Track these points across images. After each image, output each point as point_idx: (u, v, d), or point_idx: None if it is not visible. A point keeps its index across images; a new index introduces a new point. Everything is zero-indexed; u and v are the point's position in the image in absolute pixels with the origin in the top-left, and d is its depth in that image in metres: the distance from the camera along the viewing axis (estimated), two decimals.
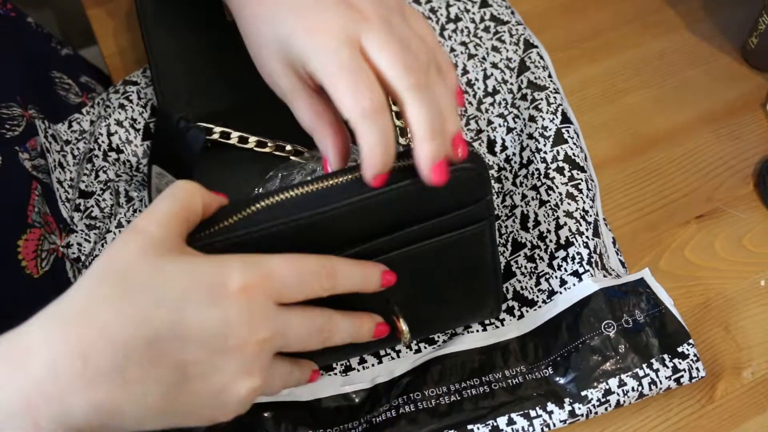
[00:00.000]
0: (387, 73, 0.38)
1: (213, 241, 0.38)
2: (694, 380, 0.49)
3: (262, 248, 0.38)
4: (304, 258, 0.37)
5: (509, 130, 0.61)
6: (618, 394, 0.48)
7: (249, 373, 0.35)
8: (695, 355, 0.49)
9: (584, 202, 0.55)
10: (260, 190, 0.50)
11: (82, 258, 0.55)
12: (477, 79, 0.63)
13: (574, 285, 0.51)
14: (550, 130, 0.58)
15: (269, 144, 0.53)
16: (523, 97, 0.61)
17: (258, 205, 0.38)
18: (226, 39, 0.56)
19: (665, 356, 0.49)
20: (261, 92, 0.54)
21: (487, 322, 0.53)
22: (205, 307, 0.34)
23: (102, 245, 0.54)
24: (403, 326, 0.45)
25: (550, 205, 0.55)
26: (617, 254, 0.56)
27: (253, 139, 0.53)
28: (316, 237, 0.40)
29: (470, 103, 0.63)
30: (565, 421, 0.48)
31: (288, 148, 0.53)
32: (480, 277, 0.48)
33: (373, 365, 0.52)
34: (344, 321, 0.40)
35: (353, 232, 0.41)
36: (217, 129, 0.52)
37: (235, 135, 0.53)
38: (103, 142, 0.59)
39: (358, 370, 0.52)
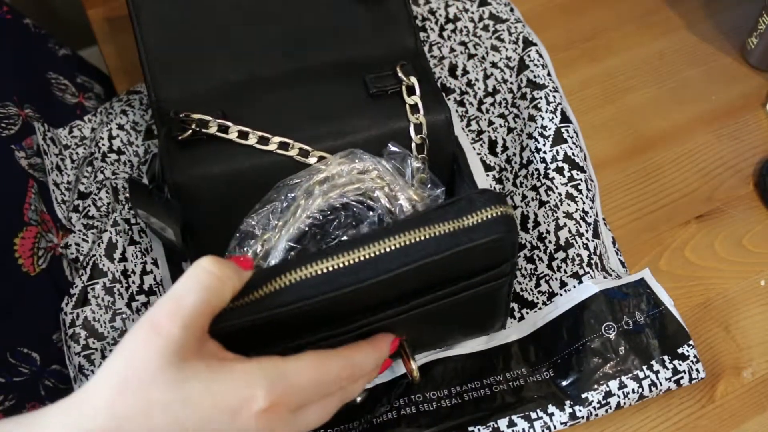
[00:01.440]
0: None
1: (234, 323, 0.36)
2: (694, 381, 0.49)
3: (284, 324, 0.38)
4: (326, 363, 0.37)
5: (510, 130, 0.60)
6: (618, 396, 0.48)
7: None
8: (695, 357, 0.49)
9: (584, 203, 0.55)
10: (259, 205, 0.49)
11: (81, 258, 0.55)
12: (477, 80, 0.63)
13: (574, 287, 0.51)
14: (549, 129, 0.58)
15: (272, 141, 0.49)
16: (523, 96, 0.61)
17: (283, 282, 0.37)
18: (222, 12, 0.53)
19: (665, 358, 0.49)
20: (261, 67, 0.52)
21: None
22: (227, 430, 0.33)
23: (98, 245, 0.54)
24: (413, 365, 0.46)
25: (549, 206, 0.55)
26: (617, 254, 0.56)
27: (254, 135, 0.49)
28: (340, 309, 0.39)
29: (471, 103, 0.63)
30: (565, 423, 0.48)
31: (292, 147, 0.49)
32: (493, 314, 0.48)
33: None
34: (357, 385, 0.40)
35: (378, 300, 0.40)
36: (214, 122, 0.48)
37: (234, 129, 0.49)
38: (103, 144, 0.59)
39: None
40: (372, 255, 0.37)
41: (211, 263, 0.35)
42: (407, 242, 0.38)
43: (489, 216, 0.39)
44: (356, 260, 0.37)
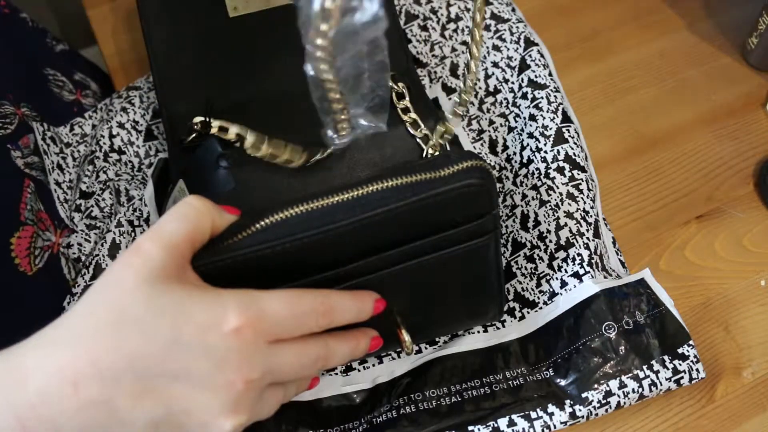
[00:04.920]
0: None
1: (215, 260, 0.37)
2: (694, 381, 0.49)
3: (265, 266, 0.38)
4: (301, 296, 0.37)
5: (510, 129, 0.61)
6: (618, 396, 0.48)
7: (235, 411, 0.35)
8: (695, 357, 0.50)
9: (585, 203, 0.55)
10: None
11: (83, 258, 0.55)
12: (478, 79, 0.63)
13: (574, 286, 0.52)
14: (550, 129, 0.58)
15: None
16: (524, 96, 0.61)
17: (263, 223, 0.38)
18: (230, 34, 0.56)
19: (665, 357, 0.49)
20: (265, 88, 0.54)
21: (488, 323, 0.53)
22: (196, 348, 0.34)
23: (102, 245, 0.54)
24: (406, 337, 0.46)
25: (550, 206, 0.55)
26: (617, 254, 0.57)
27: (251, 134, 0.48)
28: (320, 253, 0.39)
29: (472, 103, 0.63)
30: (565, 423, 0.48)
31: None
32: (483, 287, 0.48)
33: (373, 365, 0.52)
34: (340, 345, 0.40)
35: (359, 247, 0.40)
36: (215, 124, 0.49)
37: (232, 131, 0.48)
38: (104, 143, 0.59)
39: (359, 370, 0.52)
40: (348, 199, 0.39)
41: (194, 198, 0.37)
42: (383, 187, 0.39)
43: (464, 167, 0.40)
44: (334, 202, 0.39)
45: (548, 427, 0.48)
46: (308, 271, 0.40)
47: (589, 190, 0.56)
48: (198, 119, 0.50)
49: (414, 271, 0.43)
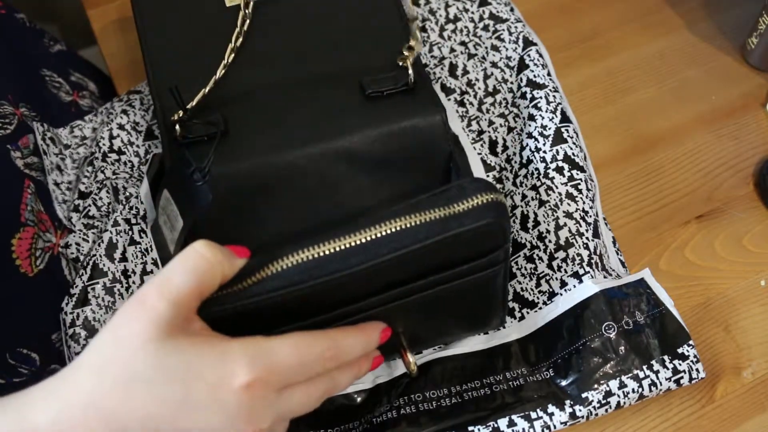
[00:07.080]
0: None
1: (225, 308, 0.37)
2: (693, 381, 0.49)
3: (274, 310, 0.38)
4: (310, 344, 0.37)
5: (510, 129, 0.61)
6: (618, 396, 0.48)
7: None
8: (695, 357, 0.49)
9: (584, 203, 0.55)
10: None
11: (81, 258, 0.55)
12: (477, 79, 0.63)
13: (574, 286, 0.51)
14: (549, 129, 0.58)
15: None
16: (523, 96, 0.61)
17: (273, 269, 0.37)
18: (227, 22, 0.55)
19: (665, 357, 0.49)
20: (261, 79, 0.53)
21: None
22: (207, 405, 0.34)
23: (99, 245, 0.54)
24: (411, 358, 0.46)
25: (549, 206, 0.55)
26: (617, 254, 0.56)
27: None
28: (331, 295, 0.39)
29: (471, 103, 0.63)
30: (565, 423, 0.48)
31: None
32: (488, 306, 0.48)
33: None
34: (345, 375, 0.40)
35: (370, 287, 0.40)
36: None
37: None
38: (104, 144, 0.59)
39: None
40: (362, 241, 0.38)
41: (204, 246, 0.36)
42: (397, 228, 0.38)
43: (479, 202, 0.39)
44: (346, 246, 0.38)
45: (548, 428, 0.48)
46: (318, 311, 0.40)
47: (588, 190, 0.56)
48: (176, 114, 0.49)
49: (422, 301, 0.43)
